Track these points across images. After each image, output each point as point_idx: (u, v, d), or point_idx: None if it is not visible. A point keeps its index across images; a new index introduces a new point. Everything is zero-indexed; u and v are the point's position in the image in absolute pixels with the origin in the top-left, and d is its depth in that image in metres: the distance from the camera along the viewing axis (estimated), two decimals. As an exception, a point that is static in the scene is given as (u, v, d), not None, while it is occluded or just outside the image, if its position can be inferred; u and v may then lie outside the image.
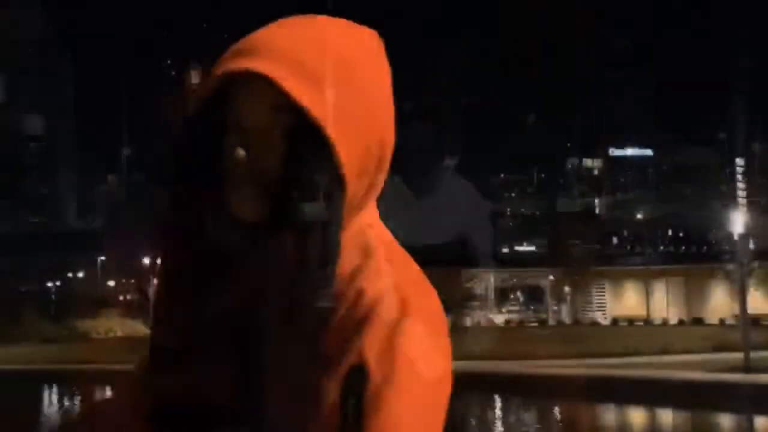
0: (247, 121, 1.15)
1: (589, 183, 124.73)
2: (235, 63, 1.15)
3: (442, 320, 1.19)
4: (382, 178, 1.23)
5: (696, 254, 77.64)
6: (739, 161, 74.58)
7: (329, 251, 1.14)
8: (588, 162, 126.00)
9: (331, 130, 1.14)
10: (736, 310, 53.12)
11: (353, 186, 1.17)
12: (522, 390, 24.26)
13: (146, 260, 60.97)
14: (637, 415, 21.76)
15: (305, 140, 1.14)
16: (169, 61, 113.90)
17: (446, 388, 1.15)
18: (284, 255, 1.14)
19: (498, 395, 24.22)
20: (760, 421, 19.95)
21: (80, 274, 79.34)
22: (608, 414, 21.91)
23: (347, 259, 1.18)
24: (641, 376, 24.22)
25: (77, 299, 62.30)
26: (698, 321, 50.73)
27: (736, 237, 34.13)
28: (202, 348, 1.20)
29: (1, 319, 51.09)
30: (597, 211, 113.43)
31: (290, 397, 1.14)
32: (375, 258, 1.20)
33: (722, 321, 48.29)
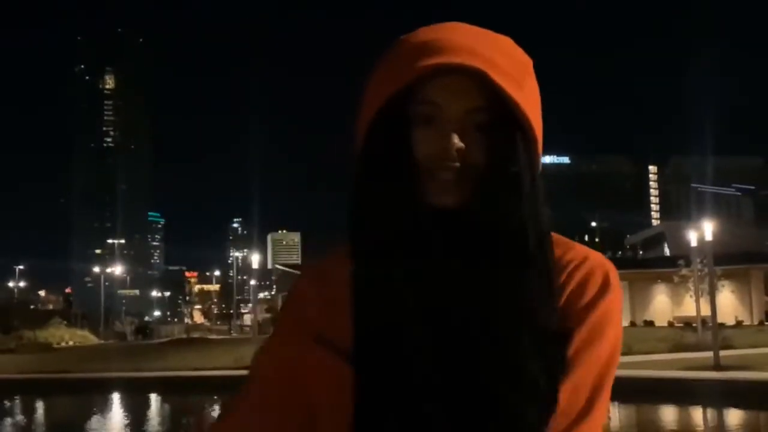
0: (449, 113, 1.16)
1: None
2: (436, 58, 1.15)
3: None
4: None
5: (628, 259, 79.20)
6: (652, 168, 76.46)
7: (546, 234, 1.20)
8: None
9: (534, 125, 1.19)
10: (677, 312, 55.35)
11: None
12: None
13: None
14: (630, 412, 22.67)
15: (502, 133, 1.17)
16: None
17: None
18: (490, 240, 1.14)
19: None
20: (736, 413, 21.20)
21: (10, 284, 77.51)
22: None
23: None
24: (624, 375, 25.48)
25: (18, 309, 60.93)
26: (650, 323, 52.79)
27: (694, 243, 35.80)
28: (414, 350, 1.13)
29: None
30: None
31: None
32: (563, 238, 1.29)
33: (671, 323, 50.17)
